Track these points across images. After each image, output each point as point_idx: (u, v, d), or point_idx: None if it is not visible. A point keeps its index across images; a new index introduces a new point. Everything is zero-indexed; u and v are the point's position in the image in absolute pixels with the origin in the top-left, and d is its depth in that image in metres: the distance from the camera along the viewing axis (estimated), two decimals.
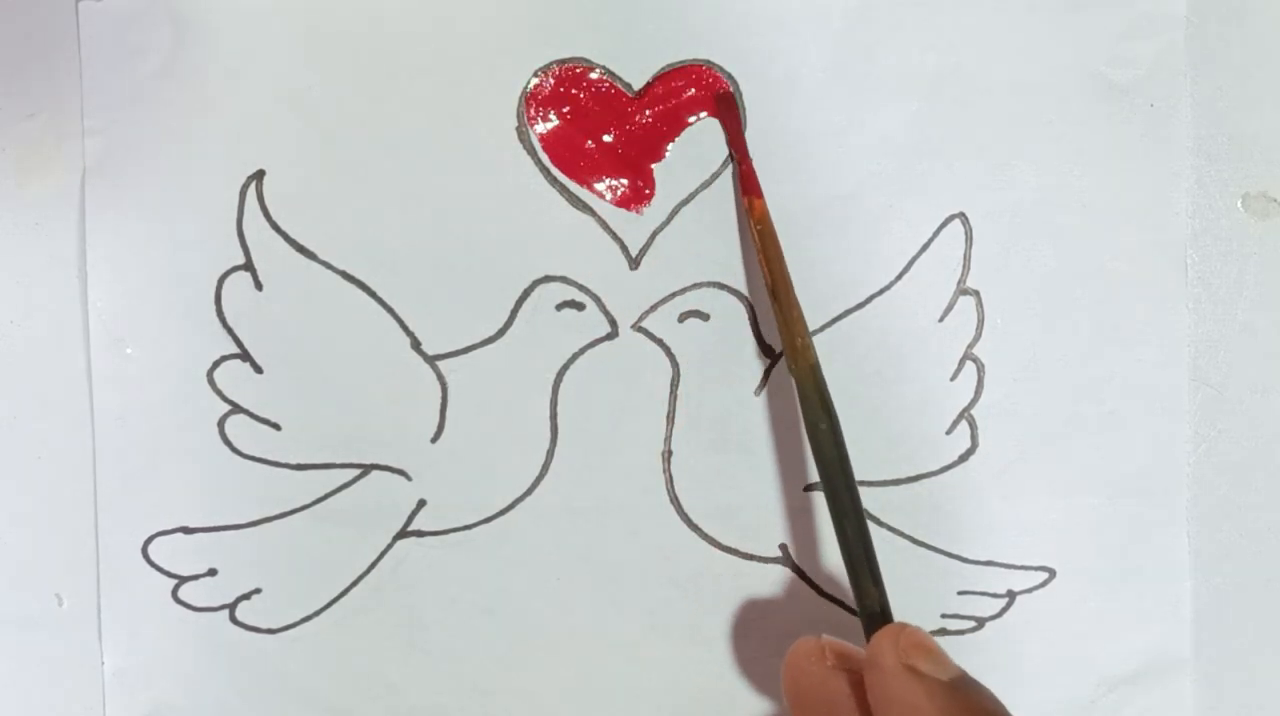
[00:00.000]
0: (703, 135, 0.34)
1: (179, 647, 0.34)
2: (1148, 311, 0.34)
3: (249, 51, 0.33)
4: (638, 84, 0.33)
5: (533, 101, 0.33)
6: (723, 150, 0.33)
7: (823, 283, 0.34)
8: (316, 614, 0.34)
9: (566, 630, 0.34)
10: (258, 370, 0.34)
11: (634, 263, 0.34)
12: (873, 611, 0.29)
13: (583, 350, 0.34)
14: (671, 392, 0.34)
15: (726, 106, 0.33)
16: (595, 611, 0.34)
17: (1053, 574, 0.34)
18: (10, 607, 0.34)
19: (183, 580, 0.34)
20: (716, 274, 0.34)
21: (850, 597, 0.34)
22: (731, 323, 0.34)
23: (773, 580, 0.34)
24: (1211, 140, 0.34)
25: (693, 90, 0.33)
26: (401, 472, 0.34)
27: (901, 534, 0.34)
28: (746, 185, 0.33)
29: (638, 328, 0.34)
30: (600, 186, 0.34)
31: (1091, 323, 0.34)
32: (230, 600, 0.34)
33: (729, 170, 0.34)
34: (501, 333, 0.34)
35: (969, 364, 0.34)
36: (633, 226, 0.34)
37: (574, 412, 0.34)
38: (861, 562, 0.30)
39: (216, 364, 0.34)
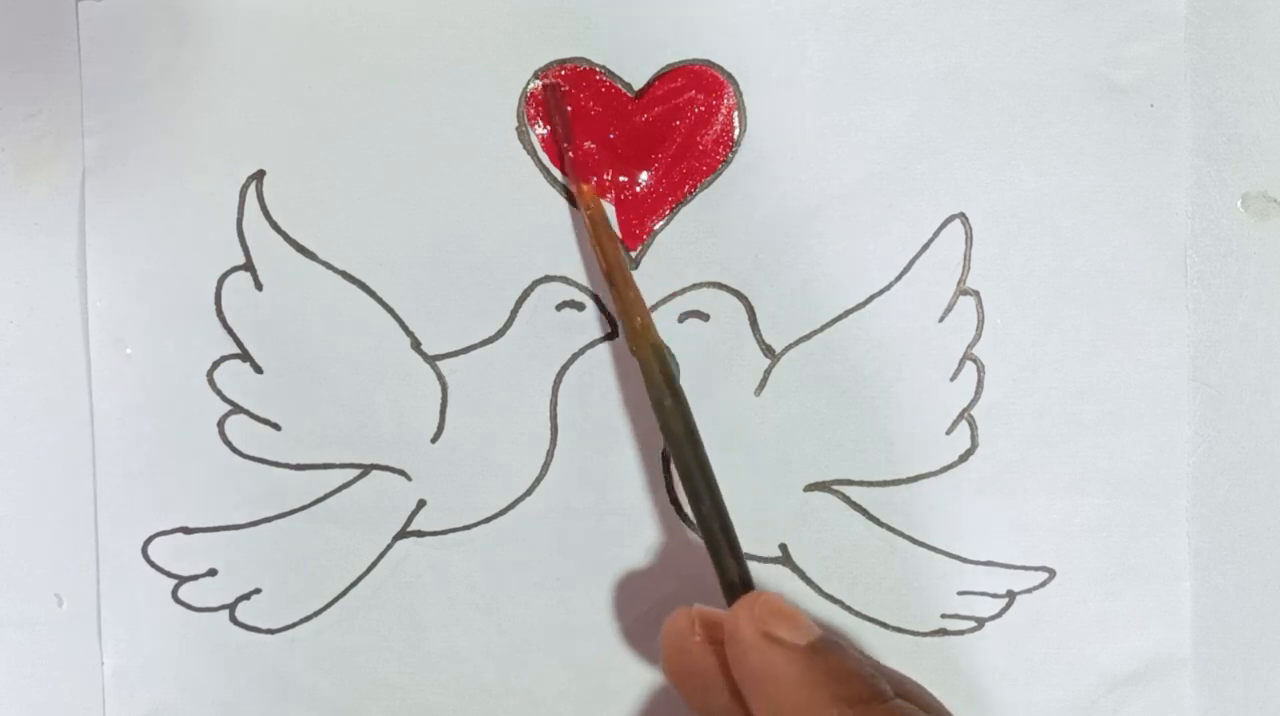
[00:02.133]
0: (703, 135, 0.34)
1: (179, 647, 0.34)
2: (1148, 311, 0.34)
3: (249, 51, 0.33)
4: (638, 84, 0.33)
5: (533, 101, 0.33)
6: (724, 150, 0.33)
7: (823, 283, 0.34)
8: (316, 614, 0.34)
9: (566, 630, 0.34)
10: (258, 370, 0.34)
11: (634, 263, 0.34)
12: (732, 582, 0.29)
13: (583, 350, 0.34)
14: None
15: (552, 95, 0.33)
16: (595, 611, 0.34)
17: (1053, 574, 0.34)
18: (10, 607, 0.34)
19: (183, 580, 0.34)
20: (716, 274, 0.34)
21: (851, 597, 0.34)
22: (731, 323, 0.34)
23: (773, 580, 0.34)
24: (1211, 140, 0.34)
25: (693, 90, 0.33)
26: (401, 473, 0.34)
27: (901, 534, 0.34)
28: (578, 171, 0.33)
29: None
30: (600, 186, 0.34)
31: (1091, 323, 0.34)
32: (230, 600, 0.34)
33: (729, 170, 0.34)
34: (501, 333, 0.34)
35: (969, 364, 0.34)
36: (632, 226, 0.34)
37: (574, 412, 0.34)
38: (718, 536, 0.29)
39: (216, 364, 0.34)
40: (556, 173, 0.33)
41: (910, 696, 0.27)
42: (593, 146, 0.34)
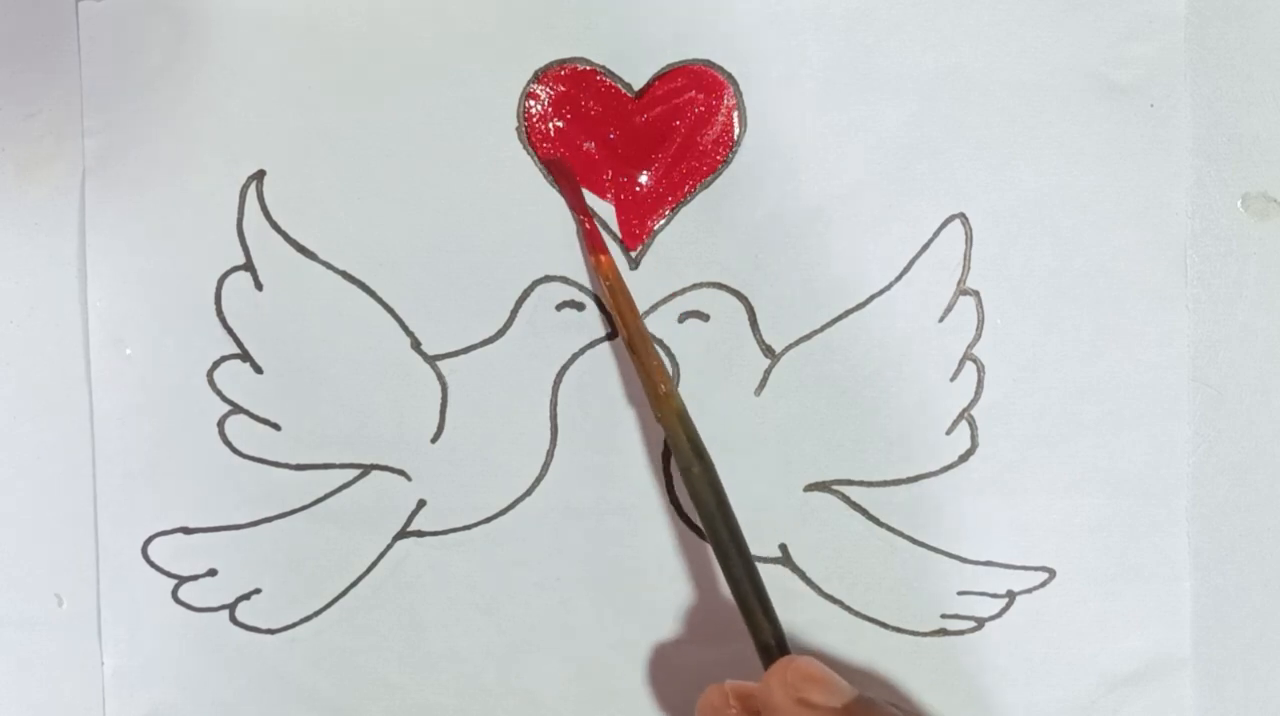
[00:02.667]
0: (703, 135, 0.34)
1: (179, 647, 0.34)
2: (1148, 311, 0.34)
3: (249, 51, 0.33)
4: (638, 84, 0.33)
5: (533, 101, 0.33)
6: (723, 150, 0.33)
7: (823, 282, 0.34)
8: (316, 614, 0.34)
9: (566, 630, 0.34)
10: (258, 370, 0.34)
11: (634, 263, 0.34)
12: (767, 644, 0.30)
13: (583, 350, 0.34)
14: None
15: (559, 171, 0.33)
16: (595, 611, 0.34)
17: (1053, 574, 0.34)
18: (10, 607, 0.34)
19: (183, 580, 0.34)
20: (716, 274, 0.34)
21: (851, 597, 0.34)
22: (731, 323, 0.34)
23: (773, 580, 0.34)
24: (1211, 140, 0.34)
25: (693, 90, 0.33)
26: (401, 473, 0.34)
27: (901, 534, 0.34)
28: (591, 243, 0.33)
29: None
30: (600, 186, 0.34)
31: (1091, 323, 0.34)
32: (230, 600, 0.34)
33: (729, 170, 0.34)
34: (501, 333, 0.34)
35: (969, 364, 0.34)
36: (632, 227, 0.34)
37: (574, 412, 0.34)
38: (751, 598, 0.30)
39: (216, 364, 0.34)
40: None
41: None
42: (592, 146, 0.34)
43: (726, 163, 0.34)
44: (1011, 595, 0.34)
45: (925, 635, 0.34)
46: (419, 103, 0.33)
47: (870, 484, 0.34)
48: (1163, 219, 0.34)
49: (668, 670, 0.34)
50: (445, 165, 0.33)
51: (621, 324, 0.32)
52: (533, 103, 0.33)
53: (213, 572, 0.34)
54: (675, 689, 0.34)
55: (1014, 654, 0.34)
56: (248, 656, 0.34)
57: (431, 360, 0.34)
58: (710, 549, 0.34)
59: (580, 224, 0.33)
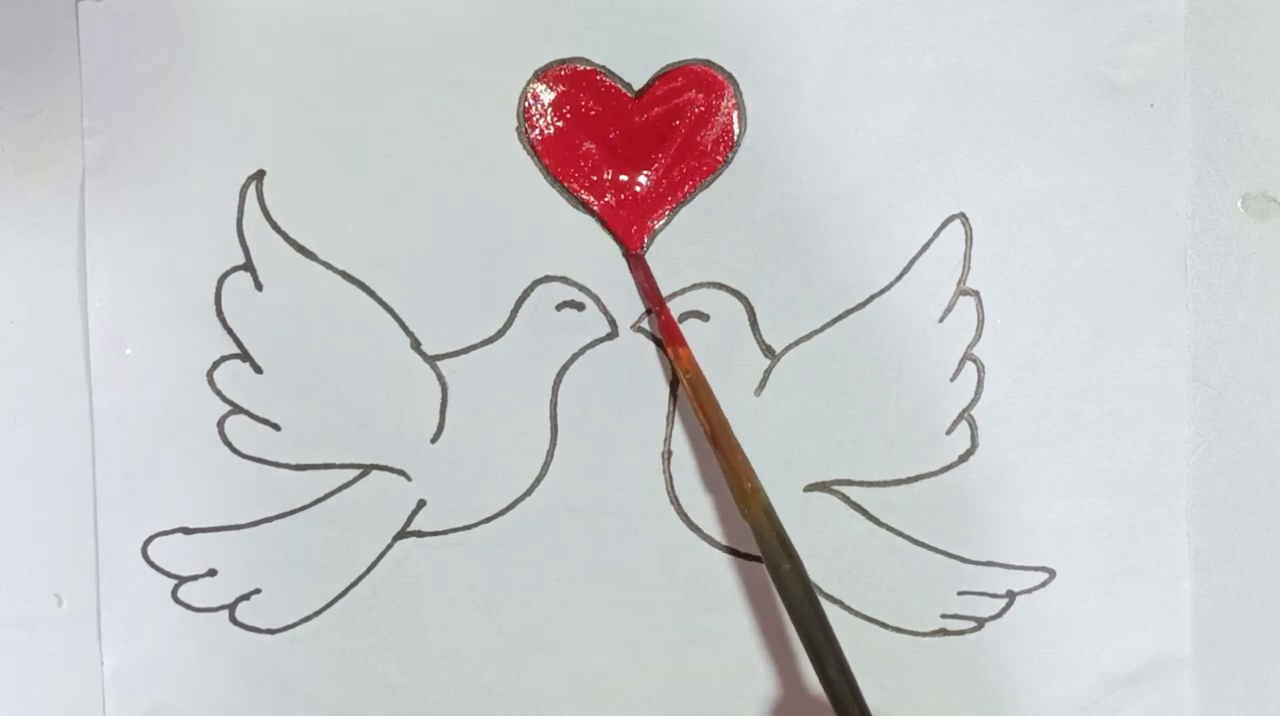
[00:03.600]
0: (703, 135, 0.34)
1: (179, 647, 0.34)
2: (1148, 311, 0.34)
3: (249, 51, 0.33)
4: (638, 84, 0.33)
5: (533, 101, 0.33)
6: (724, 150, 0.33)
7: (823, 283, 0.34)
8: (316, 614, 0.34)
9: (566, 630, 0.34)
10: (258, 370, 0.34)
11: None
12: None
13: (583, 350, 0.34)
14: (671, 393, 0.34)
15: (637, 264, 0.33)
16: (595, 611, 0.34)
17: (1053, 574, 0.34)
18: (10, 607, 0.34)
19: (182, 580, 0.34)
20: (716, 274, 0.34)
21: (851, 597, 0.34)
22: (731, 323, 0.34)
23: None
24: (1211, 140, 0.34)
25: (693, 90, 0.33)
26: (401, 473, 0.34)
27: (901, 534, 0.34)
28: (669, 335, 0.33)
29: (638, 328, 0.34)
30: (600, 186, 0.34)
31: (1091, 323, 0.34)
32: (230, 600, 0.34)
33: (729, 170, 0.34)
34: (501, 333, 0.34)
35: (969, 364, 0.34)
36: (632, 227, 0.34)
37: (574, 412, 0.34)
38: (847, 698, 0.30)
39: (216, 364, 0.34)
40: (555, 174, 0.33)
41: None
42: (592, 147, 0.34)
43: (726, 163, 0.34)
44: (1011, 595, 0.34)
45: (925, 635, 0.34)
46: (419, 103, 0.33)
47: (870, 484, 0.34)
48: (1163, 219, 0.34)
49: (668, 670, 0.34)
50: (445, 165, 0.33)
51: (704, 418, 0.32)
52: (533, 103, 0.33)
53: (213, 572, 0.34)
54: (675, 689, 0.34)
55: (1014, 654, 0.34)
56: (248, 656, 0.34)
57: (431, 360, 0.34)
58: (710, 547, 0.34)
59: (657, 316, 0.33)
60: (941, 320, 0.34)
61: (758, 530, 0.31)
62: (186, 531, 0.34)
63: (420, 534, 0.34)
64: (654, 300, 0.33)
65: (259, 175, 0.33)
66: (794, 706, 0.34)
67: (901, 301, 0.34)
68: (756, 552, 0.34)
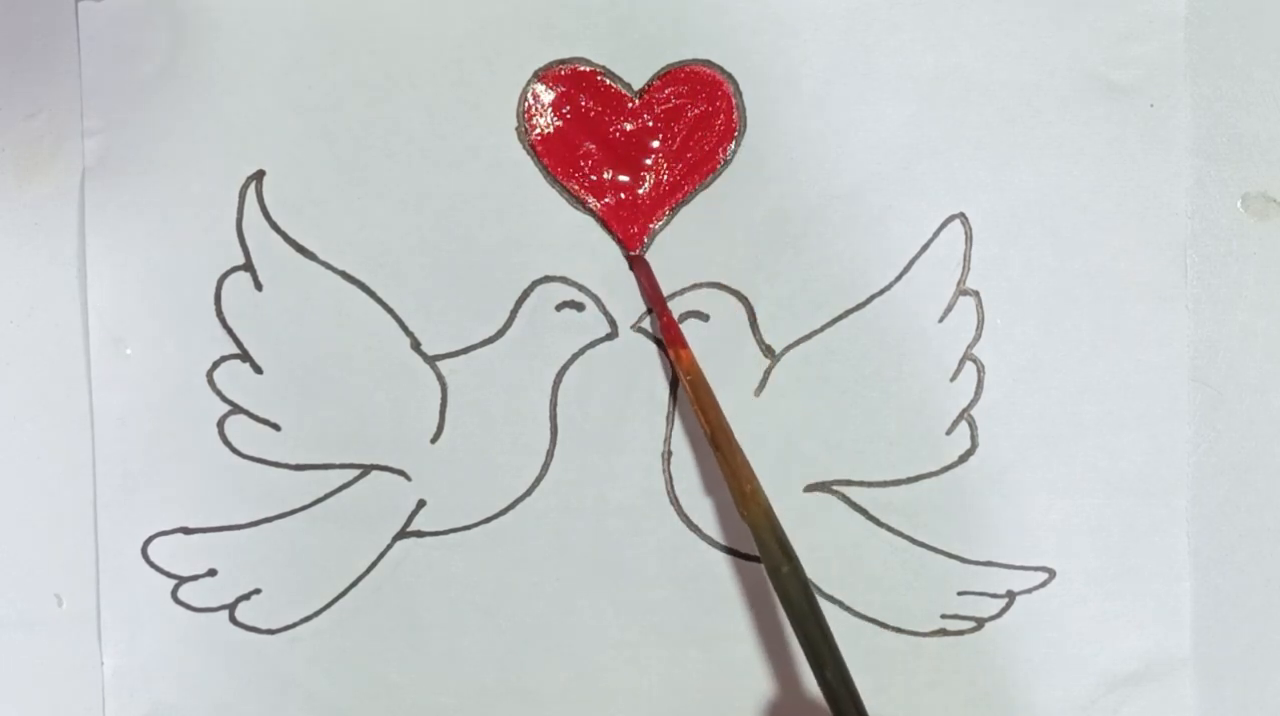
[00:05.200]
0: (703, 135, 0.34)
1: (179, 647, 0.34)
2: (1148, 311, 0.34)
3: (249, 51, 0.33)
4: (638, 84, 0.33)
5: (533, 101, 0.33)
6: (723, 150, 0.33)
7: (823, 283, 0.34)
8: (316, 614, 0.34)
9: (566, 630, 0.34)
10: (258, 370, 0.34)
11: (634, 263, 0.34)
12: None
13: (583, 350, 0.34)
14: (671, 393, 0.34)
15: (638, 266, 0.33)
16: (595, 611, 0.34)
17: (1053, 574, 0.34)
18: (10, 608, 0.34)
19: (182, 580, 0.34)
20: (716, 274, 0.34)
21: (851, 597, 0.34)
22: (731, 323, 0.34)
23: None
24: (1211, 140, 0.34)
25: (693, 90, 0.33)
26: (401, 473, 0.34)
27: (901, 534, 0.34)
28: (670, 337, 0.33)
29: (638, 328, 0.34)
30: (600, 186, 0.34)
31: (1091, 323, 0.34)
32: (230, 600, 0.34)
33: (729, 170, 0.34)
34: (501, 333, 0.34)
35: (969, 364, 0.34)
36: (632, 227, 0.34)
37: (574, 413, 0.34)
38: (845, 702, 0.29)
39: (216, 364, 0.34)
40: (555, 174, 0.33)
41: None
42: (592, 147, 0.34)
43: (726, 163, 0.34)
44: (1011, 595, 0.34)
45: (925, 635, 0.34)
46: (419, 103, 0.33)
47: (870, 484, 0.34)
48: (1163, 219, 0.34)
49: (668, 670, 0.34)
50: (445, 165, 0.33)
51: (704, 420, 0.32)
52: (533, 102, 0.33)
53: (213, 573, 0.34)
54: (675, 689, 0.34)
55: (1014, 654, 0.34)
56: (248, 656, 0.34)
57: (431, 360, 0.34)
58: (710, 547, 0.34)
59: (658, 318, 0.33)
60: (941, 320, 0.34)
61: (757, 532, 0.31)
62: (186, 531, 0.34)
63: (420, 534, 0.34)
64: (656, 302, 0.33)
65: (259, 175, 0.33)
66: (793, 707, 0.34)
67: (901, 301, 0.34)
68: (757, 553, 0.34)
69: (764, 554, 0.31)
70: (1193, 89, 0.34)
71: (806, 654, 0.30)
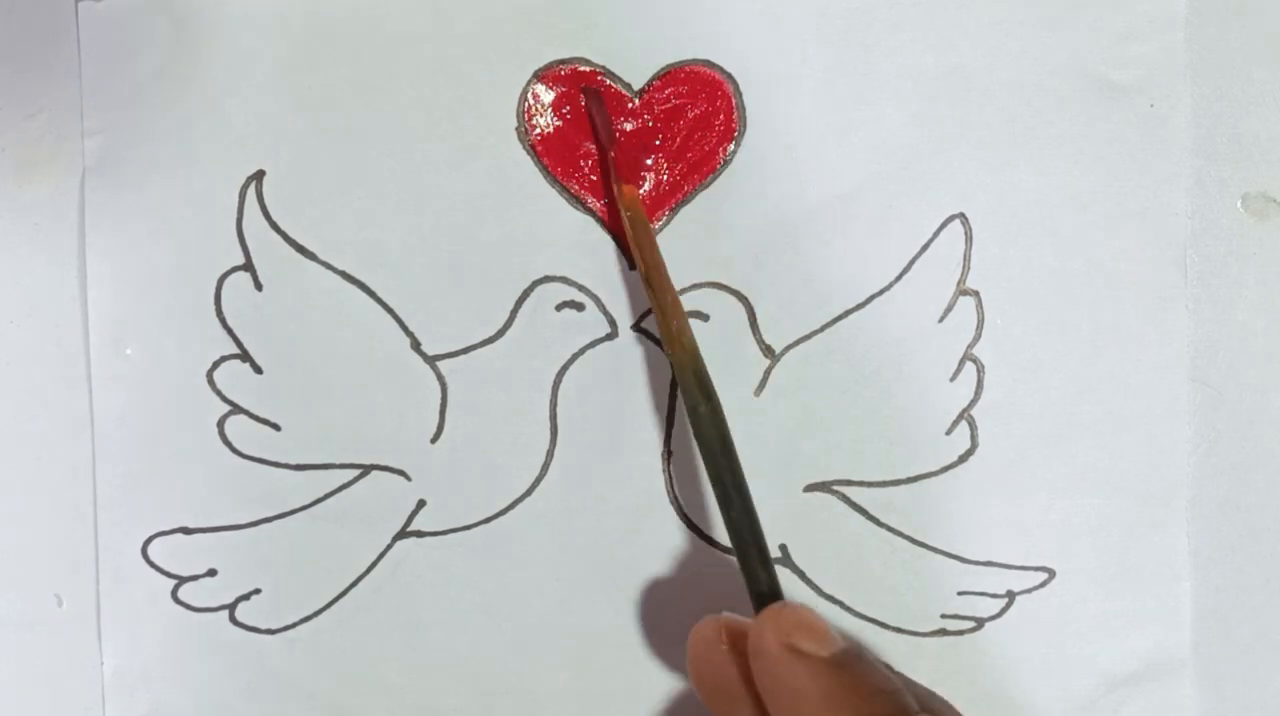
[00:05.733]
0: (703, 135, 0.34)
1: (179, 648, 0.34)
2: (1148, 311, 0.34)
3: (249, 51, 0.33)
4: (638, 84, 0.33)
5: (533, 101, 0.33)
6: (723, 150, 0.33)
7: (823, 283, 0.34)
8: (316, 614, 0.34)
9: (566, 630, 0.34)
10: (258, 370, 0.34)
11: (634, 263, 0.34)
12: (761, 592, 0.28)
13: (583, 350, 0.34)
14: (671, 393, 0.34)
15: (592, 97, 0.33)
16: (595, 611, 0.34)
17: (1053, 574, 0.34)
18: (10, 608, 0.34)
19: (182, 580, 0.34)
20: (716, 274, 0.34)
21: (851, 597, 0.34)
22: (731, 322, 0.34)
23: None
24: (1211, 140, 0.34)
25: (693, 90, 0.33)
26: (401, 473, 0.34)
27: (901, 534, 0.34)
28: (619, 172, 0.32)
29: (638, 328, 0.34)
30: (600, 186, 0.34)
31: (1091, 323, 0.34)
32: (230, 600, 0.34)
33: (729, 170, 0.34)
34: (501, 333, 0.34)
35: (969, 364, 0.34)
36: None
37: (574, 413, 0.34)
38: (749, 545, 0.28)
39: (216, 364, 0.34)
40: (556, 174, 0.33)
41: (936, 713, 0.26)
42: (593, 147, 0.34)
43: (726, 163, 0.34)
44: (1011, 595, 0.34)
45: (925, 635, 0.34)
46: (419, 103, 0.33)
47: (870, 484, 0.34)
48: (1163, 219, 0.34)
49: (667, 670, 0.34)
50: (445, 165, 0.33)
51: (640, 258, 0.31)
52: (533, 102, 0.33)
53: (212, 573, 0.34)
54: (675, 689, 0.34)
55: (1014, 654, 0.34)
56: (248, 656, 0.34)
57: (431, 360, 0.34)
58: (710, 547, 0.34)
59: (604, 154, 0.33)
60: (941, 320, 0.34)
61: (680, 371, 0.30)
62: (186, 531, 0.34)
63: (420, 534, 0.34)
64: (607, 138, 0.33)
65: (259, 175, 0.33)
66: None
67: (901, 301, 0.34)
68: None
69: (684, 392, 0.30)
70: (1193, 89, 0.34)
71: (717, 496, 0.29)
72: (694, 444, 0.34)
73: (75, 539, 0.34)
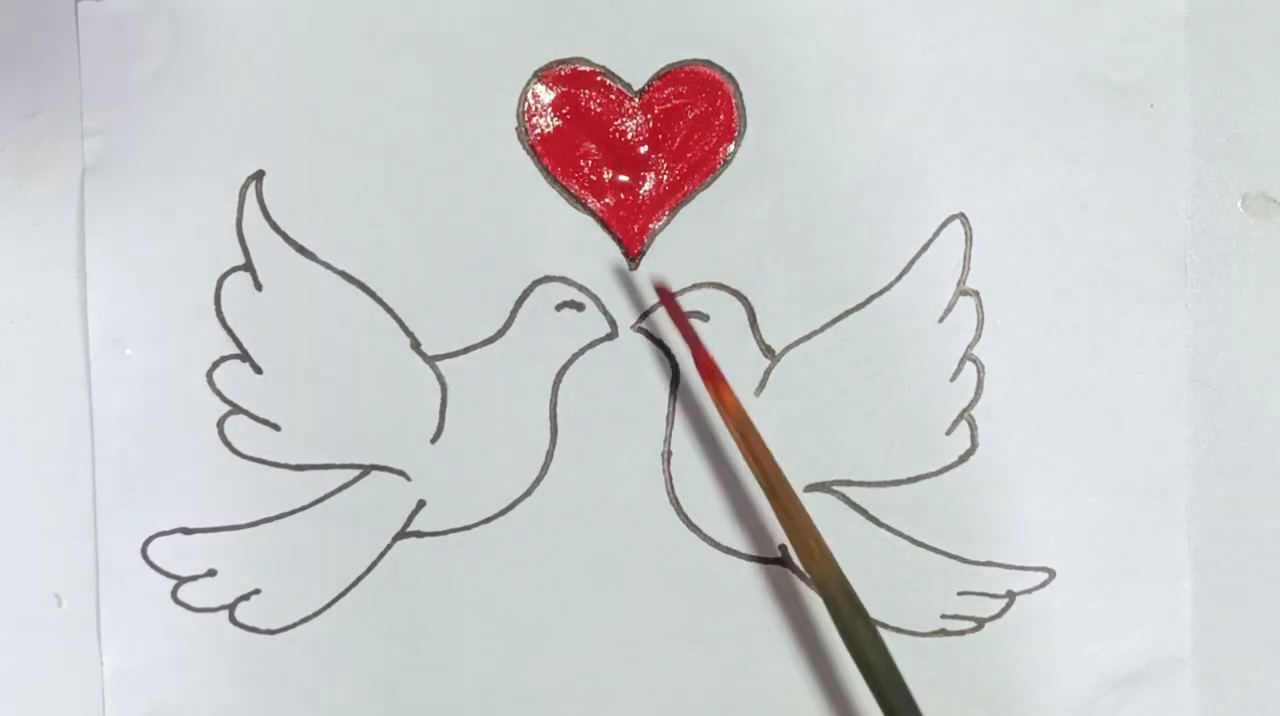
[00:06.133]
0: (703, 135, 0.34)
1: (179, 648, 0.34)
2: (1148, 311, 0.34)
3: (249, 51, 0.33)
4: (638, 84, 0.33)
5: (533, 101, 0.33)
6: (723, 150, 0.33)
7: (823, 283, 0.34)
8: (316, 614, 0.34)
9: (566, 630, 0.34)
10: (257, 370, 0.34)
11: (634, 263, 0.34)
12: None
13: (582, 350, 0.34)
14: (671, 393, 0.34)
15: (668, 300, 0.32)
16: (595, 611, 0.34)
17: (1053, 574, 0.34)
18: (10, 608, 0.34)
19: (182, 581, 0.34)
20: (716, 274, 0.34)
21: None
22: (731, 323, 0.34)
23: (773, 580, 0.34)
24: (1211, 140, 0.34)
25: (693, 90, 0.33)
26: (401, 473, 0.34)
27: (901, 534, 0.34)
28: (705, 371, 0.30)
29: (638, 328, 0.34)
30: (600, 186, 0.34)
31: (1091, 323, 0.34)
32: (230, 600, 0.34)
33: (729, 170, 0.34)
34: (501, 333, 0.34)
35: (969, 364, 0.34)
36: (632, 227, 0.34)
37: (574, 413, 0.34)
38: None
39: (216, 364, 0.34)
40: (556, 173, 0.33)
41: None
42: (592, 147, 0.34)
43: (726, 163, 0.34)
44: (1011, 595, 0.34)
45: (925, 635, 0.34)
46: (419, 103, 0.33)
47: (870, 484, 0.34)
48: (1163, 219, 0.34)
49: (668, 670, 0.34)
50: (445, 165, 0.33)
51: (758, 469, 0.29)
52: (533, 102, 0.33)
53: (212, 573, 0.34)
54: (675, 689, 0.34)
55: (1014, 654, 0.34)
56: (248, 656, 0.34)
57: (431, 360, 0.34)
58: (710, 547, 0.34)
59: (691, 351, 0.31)
60: (941, 320, 0.34)
61: (830, 599, 0.28)
62: (186, 531, 0.34)
63: (420, 534, 0.34)
64: (689, 340, 0.31)
65: (259, 175, 0.33)
66: (793, 707, 0.34)
67: (901, 301, 0.34)
68: (756, 553, 0.34)
69: (836, 619, 0.29)
70: (1193, 89, 0.34)
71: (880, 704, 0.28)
72: (694, 444, 0.34)
73: (75, 539, 0.34)
